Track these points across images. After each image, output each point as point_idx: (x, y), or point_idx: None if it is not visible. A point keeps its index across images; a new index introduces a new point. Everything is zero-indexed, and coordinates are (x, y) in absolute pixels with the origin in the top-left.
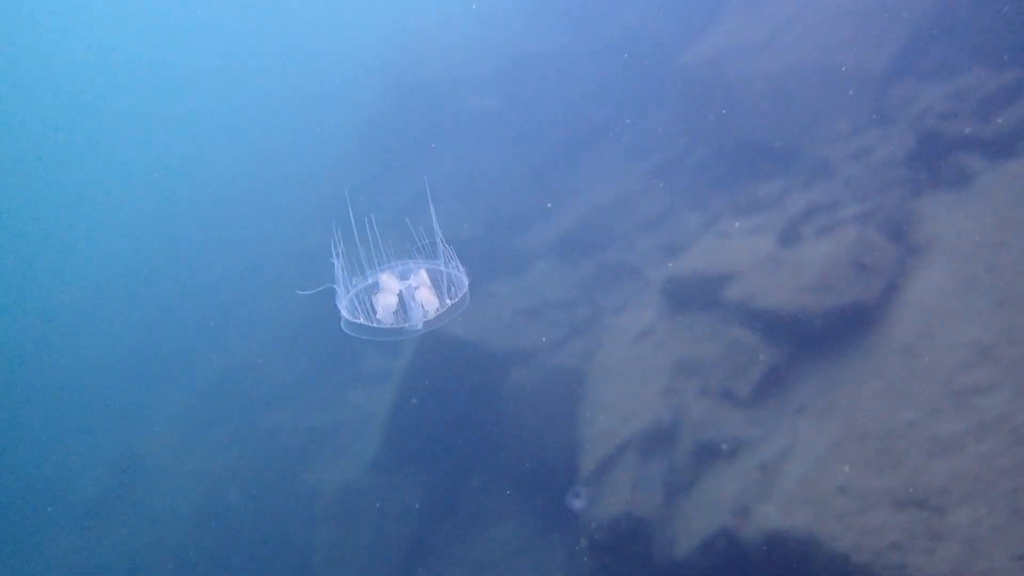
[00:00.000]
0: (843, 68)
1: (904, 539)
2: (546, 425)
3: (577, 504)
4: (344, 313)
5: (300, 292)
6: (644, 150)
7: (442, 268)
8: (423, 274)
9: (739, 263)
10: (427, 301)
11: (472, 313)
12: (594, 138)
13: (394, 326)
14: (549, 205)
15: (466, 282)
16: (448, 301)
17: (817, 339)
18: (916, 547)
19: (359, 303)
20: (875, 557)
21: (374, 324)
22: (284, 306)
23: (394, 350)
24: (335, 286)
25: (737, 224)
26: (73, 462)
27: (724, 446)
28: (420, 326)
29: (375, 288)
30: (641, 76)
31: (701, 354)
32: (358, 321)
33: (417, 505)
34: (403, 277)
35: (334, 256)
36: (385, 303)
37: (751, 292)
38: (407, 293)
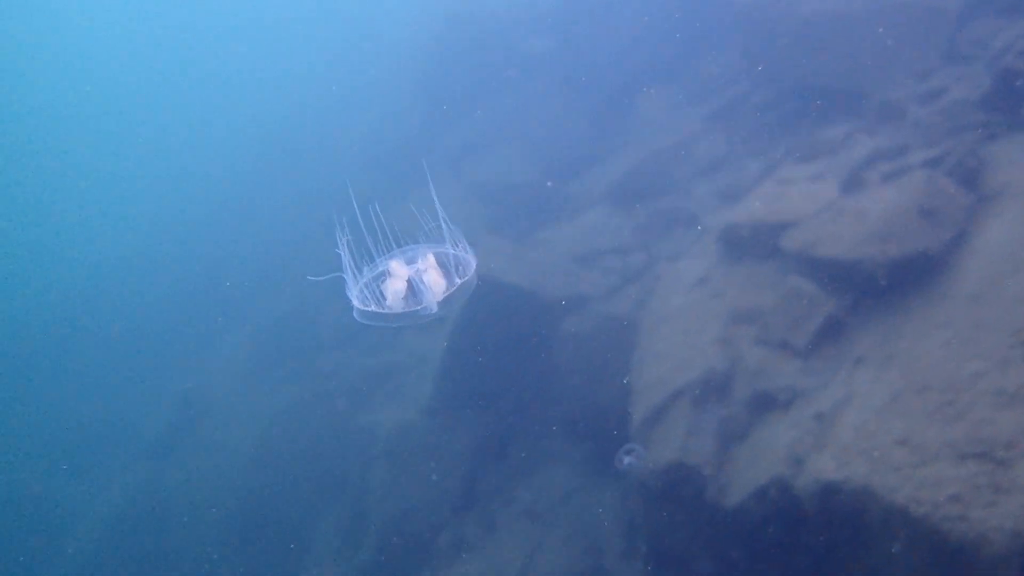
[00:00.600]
0: (916, 5)
1: (965, 492)
2: (599, 372)
3: (626, 462)
4: (355, 303)
5: (312, 278)
6: (704, 93)
7: (449, 250)
8: (430, 257)
9: (799, 210)
10: (435, 283)
11: (525, 259)
12: (652, 81)
13: (405, 311)
14: (604, 150)
15: (473, 262)
16: (457, 281)
17: (879, 289)
18: (978, 500)
19: (369, 292)
20: (934, 510)
21: (385, 311)
22: (338, 251)
23: (448, 295)
24: (344, 276)
25: (798, 170)
26: (141, 400)
27: (779, 396)
28: (434, 308)
29: (384, 276)
30: (703, 15)
31: (758, 303)
32: (369, 309)
33: (470, 447)
34: (410, 262)
35: (340, 247)
36: (394, 289)
37: (811, 240)
38: (416, 277)
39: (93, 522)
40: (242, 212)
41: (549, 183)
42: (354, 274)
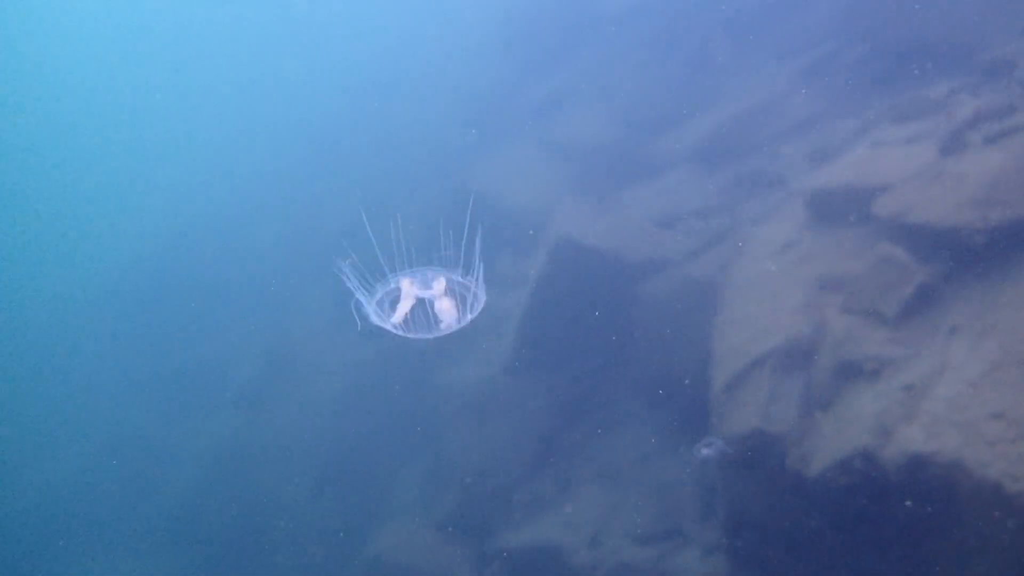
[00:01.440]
0: None
1: None
2: (678, 336)
3: (704, 454)
4: (371, 315)
5: (345, 261)
6: (795, 49)
7: (462, 280)
8: (442, 283)
9: (894, 174)
10: (446, 312)
11: (606, 220)
12: (740, 37)
13: (408, 333)
14: (688, 108)
15: (483, 300)
16: (468, 316)
17: (977, 257)
18: None
19: (383, 306)
20: None
21: (390, 328)
22: (420, 207)
23: (528, 256)
24: (358, 295)
25: (894, 131)
26: (231, 350)
27: (866, 365)
28: (431, 335)
29: (398, 292)
30: None
31: (846, 270)
32: (381, 325)
33: (547, 406)
34: (425, 285)
35: (346, 276)
36: (402, 310)
37: (906, 205)
38: (428, 301)
39: (189, 464)
40: (331, 166)
41: (631, 142)
42: (369, 292)
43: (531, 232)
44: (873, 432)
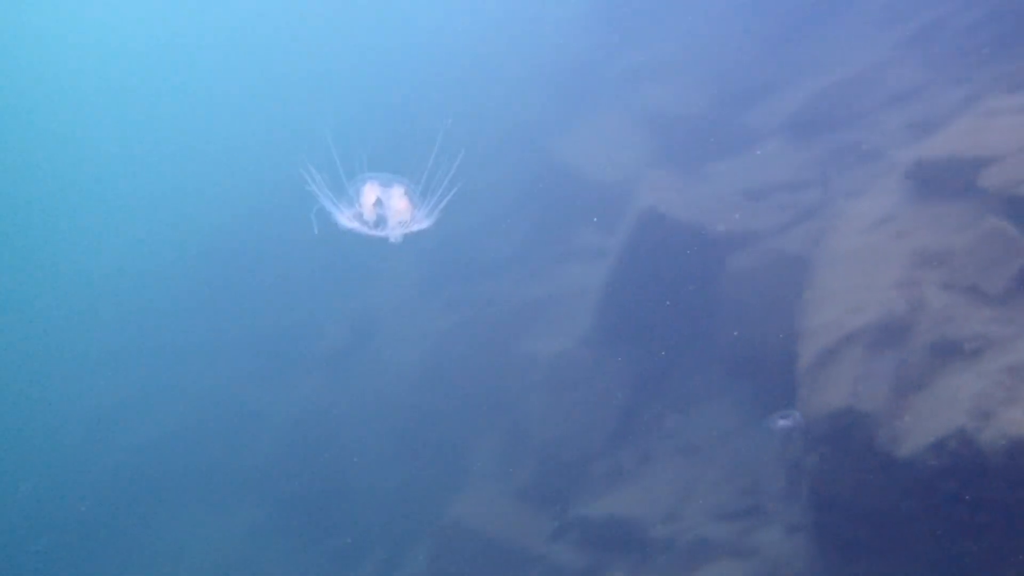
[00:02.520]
0: None
1: None
2: (765, 310)
3: (780, 424)
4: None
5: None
6: (900, 15)
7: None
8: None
9: (1005, 144)
10: (399, 211)
11: (693, 193)
12: (839, 3)
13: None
14: (783, 77)
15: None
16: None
17: None
18: None
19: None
20: None
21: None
22: (504, 176)
23: (611, 228)
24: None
25: (1006, 100)
26: (319, 316)
27: (966, 345)
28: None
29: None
30: None
31: (947, 245)
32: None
33: (628, 379)
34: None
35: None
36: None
37: (1016, 178)
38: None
39: (276, 425)
40: (413, 133)
41: (722, 112)
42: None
43: (615, 203)
44: (971, 414)
